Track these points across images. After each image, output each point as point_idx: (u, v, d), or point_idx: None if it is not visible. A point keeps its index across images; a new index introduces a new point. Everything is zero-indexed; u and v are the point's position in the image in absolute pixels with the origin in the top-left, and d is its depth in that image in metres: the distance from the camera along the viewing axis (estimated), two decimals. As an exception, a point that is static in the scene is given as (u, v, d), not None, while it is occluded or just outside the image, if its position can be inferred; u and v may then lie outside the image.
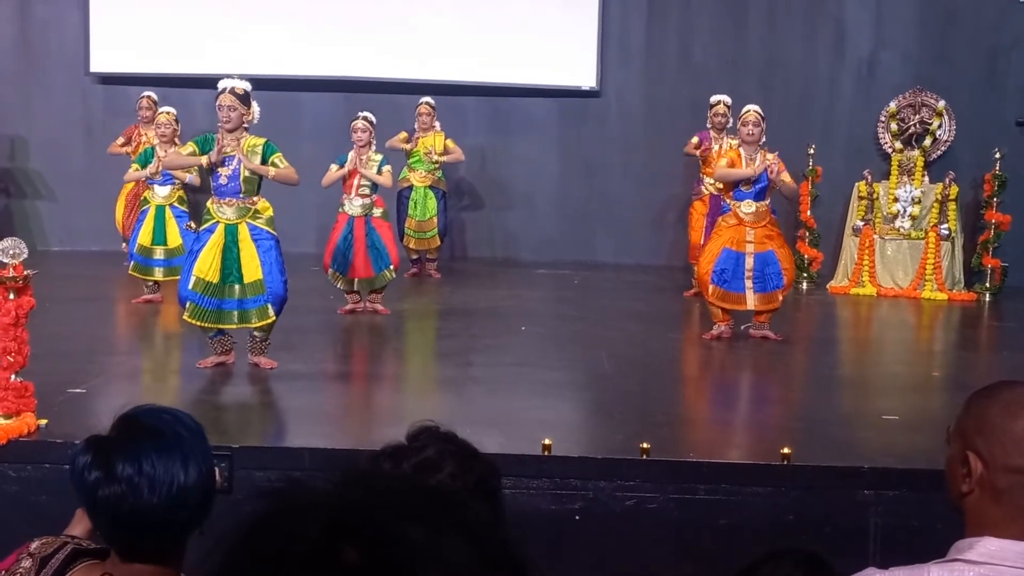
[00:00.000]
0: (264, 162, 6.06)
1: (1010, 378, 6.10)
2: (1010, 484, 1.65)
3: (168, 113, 8.48)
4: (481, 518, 0.81)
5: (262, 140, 6.11)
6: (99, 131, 10.97)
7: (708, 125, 9.47)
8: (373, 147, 8.15)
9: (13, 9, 11.43)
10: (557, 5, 11.27)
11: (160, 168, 8.14)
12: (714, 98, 9.48)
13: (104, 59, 11.27)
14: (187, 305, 6.04)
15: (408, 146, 9.88)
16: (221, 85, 6.00)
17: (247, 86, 6.05)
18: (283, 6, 11.24)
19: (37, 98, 11.45)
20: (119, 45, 11.27)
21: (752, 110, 7.40)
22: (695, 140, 9.56)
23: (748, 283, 7.31)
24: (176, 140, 8.43)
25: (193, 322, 6.09)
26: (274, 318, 6.12)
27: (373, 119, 8.22)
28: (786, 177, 7.39)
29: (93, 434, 1.93)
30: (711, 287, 7.36)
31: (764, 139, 7.42)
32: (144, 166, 8.38)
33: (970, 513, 1.68)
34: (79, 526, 2.19)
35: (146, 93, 9.69)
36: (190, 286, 6.01)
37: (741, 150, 7.41)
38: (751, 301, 7.34)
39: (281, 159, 6.09)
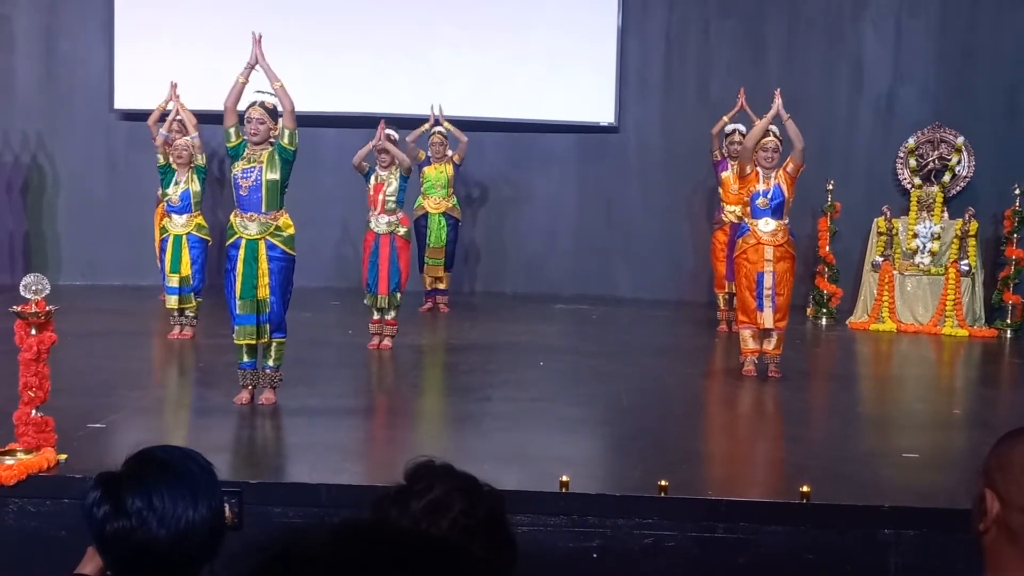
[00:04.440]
0: (277, 159, 6.09)
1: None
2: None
3: (187, 139, 8.62)
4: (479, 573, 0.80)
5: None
6: (122, 166, 11.10)
7: (725, 154, 9.50)
8: (396, 165, 8.25)
9: (39, 46, 11.59)
10: (576, 41, 11.35)
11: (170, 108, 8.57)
12: (730, 127, 9.51)
13: (128, 96, 11.41)
14: (235, 328, 6.12)
15: (424, 153, 10.00)
16: (251, 99, 6.06)
17: (276, 100, 6.12)
18: (304, 43, 11.34)
19: (61, 133, 11.58)
20: (143, 82, 11.38)
21: (771, 135, 7.40)
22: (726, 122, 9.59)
23: (767, 302, 7.32)
24: (192, 165, 8.52)
25: (239, 343, 6.15)
26: (268, 339, 6.12)
27: (396, 136, 8.41)
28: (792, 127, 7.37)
29: (104, 470, 1.95)
30: (757, 315, 7.35)
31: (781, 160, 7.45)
32: (166, 187, 8.52)
33: (988, 553, 1.67)
34: (90, 564, 2.20)
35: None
36: (236, 311, 6.10)
37: (759, 170, 7.41)
38: (768, 320, 7.34)
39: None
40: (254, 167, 6.08)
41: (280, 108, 6.12)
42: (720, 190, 9.55)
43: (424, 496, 1.78)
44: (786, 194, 7.35)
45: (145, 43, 11.35)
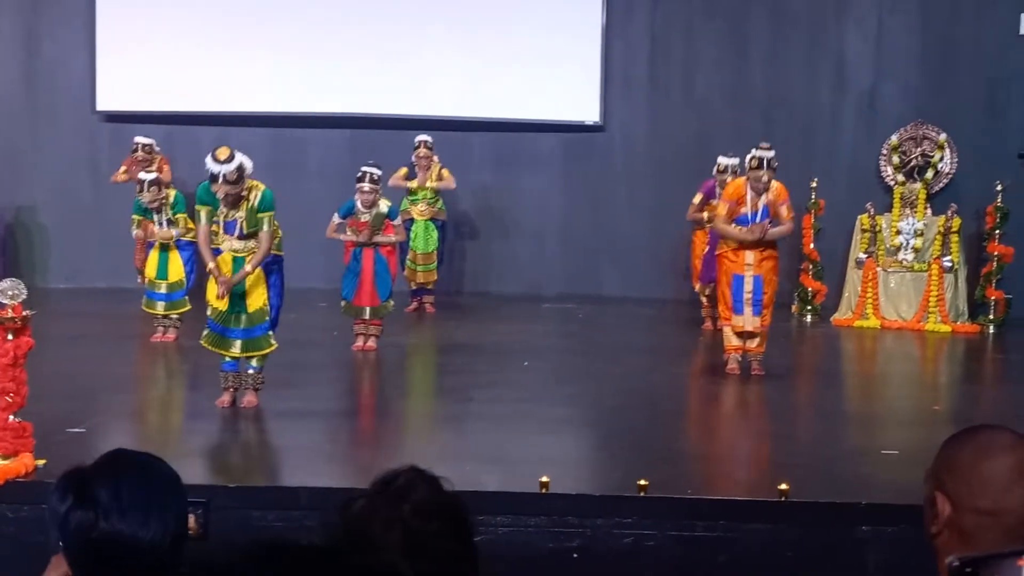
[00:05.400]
0: (257, 212, 6.07)
1: (1013, 411, 6.01)
2: (976, 525, 1.65)
3: (153, 188, 8.17)
4: None
5: (261, 189, 6.07)
6: (105, 169, 11.05)
7: (715, 182, 9.13)
8: (380, 197, 8.16)
9: (21, 48, 11.55)
10: (560, 40, 11.35)
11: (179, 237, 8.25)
12: (722, 162, 9.13)
13: (110, 98, 11.38)
14: (204, 331, 6.16)
15: (412, 184, 9.93)
16: (210, 171, 5.87)
17: (234, 164, 5.86)
18: (288, 43, 11.33)
19: (44, 136, 11.55)
20: (125, 84, 11.38)
21: (764, 164, 7.16)
22: (698, 199, 9.41)
23: (747, 307, 7.33)
24: (164, 204, 8.30)
25: (205, 346, 6.19)
26: (276, 346, 6.16)
27: (378, 173, 8.18)
28: (784, 211, 7.36)
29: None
30: (732, 317, 7.38)
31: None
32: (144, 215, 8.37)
33: (941, 555, 1.68)
34: (53, 574, 2.20)
35: (139, 140, 9.74)
36: (207, 313, 6.14)
37: (747, 189, 7.31)
38: (749, 323, 7.35)
39: (269, 220, 6.05)
40: (234, 220, 6.06)
41: (247, 167, 5.97)
42: (705, 207, 9.34)
43: (389, 486, 1.82)
44: (772, 211, 7.33)
45: (127, 44, 11.32)
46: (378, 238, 8.06)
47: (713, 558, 4.50)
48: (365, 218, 8.07)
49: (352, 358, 7.97)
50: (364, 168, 8.17)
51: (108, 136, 11.54)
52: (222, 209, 6.04)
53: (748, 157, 7.35)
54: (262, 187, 6.09)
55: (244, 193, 6.01)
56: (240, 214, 6.04)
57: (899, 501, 4.60)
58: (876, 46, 11.11)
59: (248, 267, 6.02)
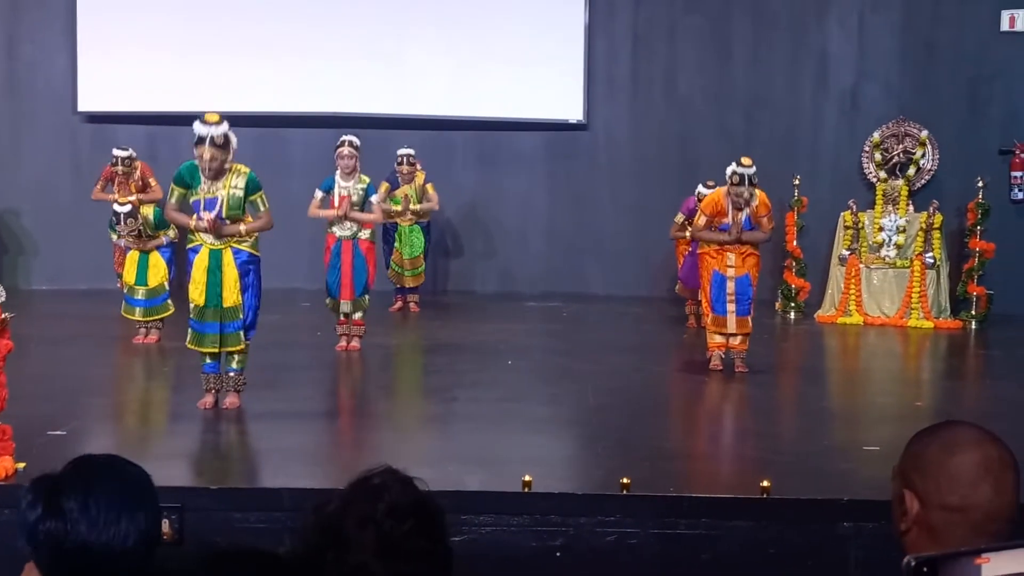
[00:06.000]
0: (245, 197, 6.04)
1: (995, 407, 6.04)
2: (945, 522, 1.66)
3: (129, 220, 8.08)
4: None
5: (245, 172, 5.99)
6: (87, 170, 11.02)
7: (696, 203, 8.97)
8: (358, 171, 8.13)
9: (1, 50, 11.50)
10: (544, 39, 11.37)
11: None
12: (702, 192, 8.98)
13: (91, 99, 11.34)
14: (196, 335, 6.09)
15: (397, 207, 9.90)
16: (197, 133, 5.80)
17: (224, 129, 5.83)
18: (271, 43, 11.31)
19: (25, 137, 11.50)
20: (106, 85, 11.34)
21: (746, 181, 7.13)
22: (679, 219, 9.40)
23: (730, 306, 7.35)
24: (144, 226, 8.23)
25: (191, 347, 6.15)
26: (244, 344, 6.10)
27: (358, 142, 8.17)
28: (764, 222, 7.38)
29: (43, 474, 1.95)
30: (711, 315, 7.42)
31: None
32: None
33: (910, 552, 1.69)
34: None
35: (118, 153, 9.66)
36: (190, 313, 6.08)
37: (727, 203, 7.28)
38: (731, 324, 7.37)
39: (262, 200, 6.04)
40: (215, 197, 5.97)
41: (233, 140, 5.92)
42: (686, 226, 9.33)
43: (363, 486, 1.82)
44: (753, 221, 7.34)
45: (108, 45, 11.28)
46: (355, 214, 7.98)
47: (695, 556, 4.51)
48: (345, 192, 8.00)
49: (335, 358, 7.96)
50: (343, 136, 8.16)
51: (89, 137, 11.50)
52: (203, 185, 5.94)
53: (729, 172, 7.26)
54: (246, 170, 6.01)
55: (228, 167, 5.93)
56: (221, 191, 5.94)
57: (881, 497, 4.56)
58: (858, 45, 11.16)
59: (242, 227, 5.98)
